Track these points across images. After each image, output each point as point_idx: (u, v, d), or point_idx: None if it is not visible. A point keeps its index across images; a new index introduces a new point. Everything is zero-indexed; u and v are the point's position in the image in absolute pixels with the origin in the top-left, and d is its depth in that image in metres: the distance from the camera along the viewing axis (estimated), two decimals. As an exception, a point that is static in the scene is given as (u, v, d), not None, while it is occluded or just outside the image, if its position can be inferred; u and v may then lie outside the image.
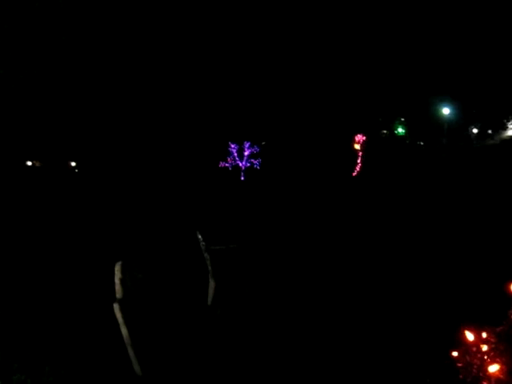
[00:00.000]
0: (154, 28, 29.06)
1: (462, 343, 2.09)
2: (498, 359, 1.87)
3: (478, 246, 7.99)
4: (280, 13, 30.71)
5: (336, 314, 4.87)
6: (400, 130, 36.11)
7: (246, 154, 33.32)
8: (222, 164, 32.96)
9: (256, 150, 33.45)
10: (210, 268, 5.05)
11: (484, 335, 2.05)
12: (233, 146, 33.06)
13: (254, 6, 30.42)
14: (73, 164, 34.78)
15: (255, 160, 33.35)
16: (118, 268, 4.33)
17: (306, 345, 3.94)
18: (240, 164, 33.35)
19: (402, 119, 35.54)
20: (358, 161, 31.36)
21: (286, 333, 4.20)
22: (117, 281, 4.30)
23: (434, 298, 5.63)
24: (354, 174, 30.89)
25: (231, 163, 33.23)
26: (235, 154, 33.22)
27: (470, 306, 4.36)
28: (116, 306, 4.24)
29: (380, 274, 6.85)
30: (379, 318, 5.19)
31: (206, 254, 5.07)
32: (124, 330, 4.30)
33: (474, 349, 1.94)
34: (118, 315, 4.26)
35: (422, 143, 36.06)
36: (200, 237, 5.05)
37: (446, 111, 32.65)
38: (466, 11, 28.92)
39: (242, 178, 33.00)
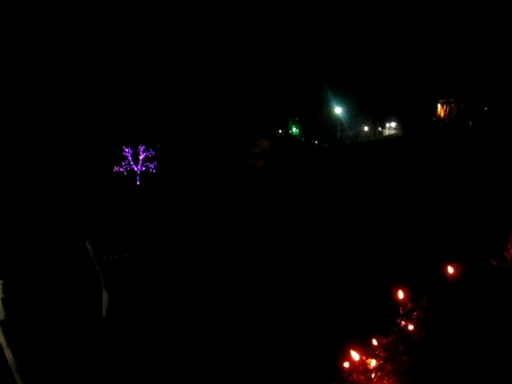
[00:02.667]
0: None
1: (349, 357, 1.94)
2: (385, 381, 1.71)
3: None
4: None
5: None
6: (294, 130, 37.29)
7: (141, 157, 32.61)
8: (116, 168, 31.89)
9: (151, 153, 32.86)
10: (102, 279, 4.77)
11: (375, 344, 1.92)
12: (127, 150, 32.26)
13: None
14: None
15: (151, 163, 32.74)
16: (-2, 287, 4.01)
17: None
18: (135, 168, 32.56)
19: (296, 118, 36.62)
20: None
21: (188, 346, 4.06)
22: (-3, 301, 4.00)
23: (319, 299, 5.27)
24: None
25: (126, 167, 32.34)
26: (130, 158, 32.39)
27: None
28: (-3, 328, 4.00)
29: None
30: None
31: (97, 265, 4.77)
32: (8, 354, 3.98)
33: (361, 367, 1.80)
34: (1, 338, 3.94)
35: (315, 142, 37.63)
36: (90, 247, 4.78)
37: (337, 110, 33.93)
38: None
39: (138, 183, 31.84)
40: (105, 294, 4.90)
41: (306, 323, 4.73)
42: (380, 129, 38.10)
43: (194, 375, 3.56)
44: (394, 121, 36.20)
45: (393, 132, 36.15)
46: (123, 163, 32.15)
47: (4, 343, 4.14)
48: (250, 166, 3.48)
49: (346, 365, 1.99)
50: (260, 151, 3.48)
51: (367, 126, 37.41)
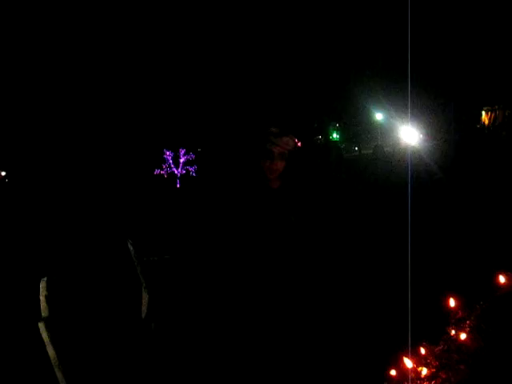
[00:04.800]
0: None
1: (398, 365, 1.88)
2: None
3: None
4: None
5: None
6: (335, 136, 36.83)
7: (181, 161, 32.71)
8: (157, 171, 32.21)
9: (192, 156, 32.89)
10: (142, 280, 4.79)
11: (423, 352, 1.88)
12: (168, 153, 32.38)
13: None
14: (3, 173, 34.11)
15: (191, 167, 32.86)
16: (43, 285, 4.00)
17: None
18: (175, 171, 32.70)
19: (337, 124, 36.27)
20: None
21: (225, 350, 3.99)
22: (42, 298, 3.99)
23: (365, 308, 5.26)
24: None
25: (166, 170, 32.57)
26: (170, 161, 32.55)
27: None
28: (41, 325, 3.81)
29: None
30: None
31: (138, 266, 4.81)
32: (51, 351, 3.97)
33: (412, 375, 1.75)
34: (44, 335, 3.93)
35: (356, 148, 37.48)
36: (131, 247, 4.79)
37: (378, 116, 33.51)
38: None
39: (178, 186, 32.10)
40: (145, 295, 4.91)
41: (350, 329, 4.69)
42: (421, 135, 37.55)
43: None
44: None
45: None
46: (164, 166, 32.37)
47: (47, 340, 4.14)
48: (265, 168, 3.02)
49: (393, 373, 1.95)
50: (281, 152, 2.98)
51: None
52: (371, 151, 31.75)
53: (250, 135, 3.20)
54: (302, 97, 30.63)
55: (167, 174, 32.42)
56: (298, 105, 30.06)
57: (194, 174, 32.39)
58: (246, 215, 3.00)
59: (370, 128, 35.84)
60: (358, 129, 36.62)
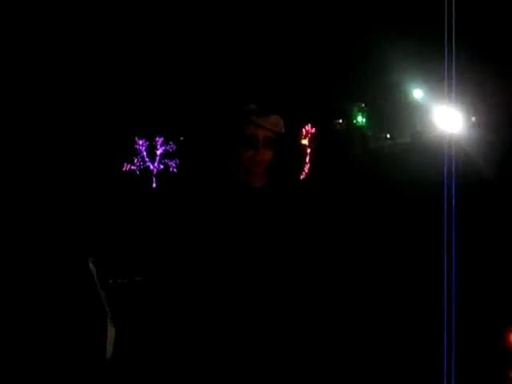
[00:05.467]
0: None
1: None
2: None
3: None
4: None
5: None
6: (360, 120, 36.60)
7: (158, 152, 32.59)
8: (126, 166, 31.85)
9: (172, 147, 32.78)
10: (107, 310, 4.80)
11: None
12: (141, 142, 32.22)
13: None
14: None
15: (171, 161, 32.68)
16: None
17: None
18: (151, 166, 32.61)
19: (363, 105, 35.92)
20: (307, 160, 31.06)
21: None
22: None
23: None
24: (302, 176, 30.72)
25: (139, 165, 32.33)
26: (144, 154, 32.35)
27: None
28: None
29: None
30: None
31: (102, 291, 4.83)
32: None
33: None
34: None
35: (388, 135, 37.36)
36: (93, 267, 4.83)
37: (417, 94, 33.20)
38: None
39: (154, 185, 32.15)
40: (111, 329, 4.87)
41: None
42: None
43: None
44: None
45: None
46: (135, 159, 32.06)
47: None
48: (245, 159, 2.96)
49: None
50: (267, 136, 2.90)
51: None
52: (408, 139, 31.68)
53: (226, 115, 3.15)
54: (312, 66, 30.48)
55: (140, 169, 32.09)
56: (301, 76, 30.09)
57: (174, 170, 32.16)
58: (217, 225, 2.93)
59: (407, 110, 35.70)
60: (391, 111, 36.69)
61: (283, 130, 2.97)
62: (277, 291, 2.92)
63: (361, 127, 34.62)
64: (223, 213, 2.92)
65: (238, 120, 2.96)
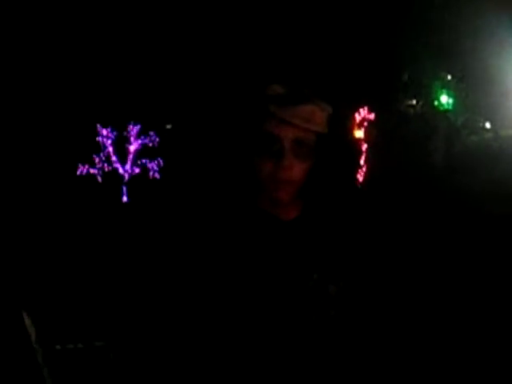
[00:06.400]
0: None
1: None
2: None
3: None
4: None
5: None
6: (444, 100, 35.17)
7: (132, 148, 31.28)
8: (82, 169, 30.53)
9: (154, 140, 31.53)
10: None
11: None
12: (105, 132, 30.81)
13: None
14: None
15: (151, 161, 31.39)
16: None
17: None
18: (120, 169, 31.13)
19: (449, 78, 34.43)
20: (361, 160, 30.60)
21: None
22: None
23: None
24: (353, 190, 29.83)
25: (102, 167, 31.04)
26: (110, 150, 30.98)
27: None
28: None
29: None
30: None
31: (40, 359, 5.16)
32: None
33: None
34: None
35: (487, 125, 35.86)
36: (30, 323, 5.20)
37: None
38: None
39: (125, 199, 30.57)
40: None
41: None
42: None
43: None
44: None
45: None
46: (96, 159, 30.26)
47: None
48: (264, 175, 2.69)
49: None
50: (299, 138, 2.63)
51: None
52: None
53: (233, 102, 2.96)
54: (368, 17, 29.63)
55: (103, 174, 30.33)
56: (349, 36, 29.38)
57: (156, 176, 30.46)
58: (224, 283, 2.75)
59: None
60: (492, 87, 35.31)
61: (327, 129, 2.71)
62: None
63: (446, 112, 33.49)
64: (234, 263, 2.76)
65: (250, 112, 2.75)
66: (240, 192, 2.86)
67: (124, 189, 30.58)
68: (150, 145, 31.54)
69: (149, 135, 31.48)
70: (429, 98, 32.14)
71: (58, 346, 5.61)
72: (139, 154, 31.56)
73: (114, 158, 30.92)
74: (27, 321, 5.15)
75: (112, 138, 30.98)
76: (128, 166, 30.70)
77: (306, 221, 2.87)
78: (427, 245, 15.14)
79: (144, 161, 31.60)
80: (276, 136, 2.61)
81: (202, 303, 2.82)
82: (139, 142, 30.90)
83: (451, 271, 13.15)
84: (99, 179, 31.01)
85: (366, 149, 29.67)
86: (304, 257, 2.82)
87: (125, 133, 31.08)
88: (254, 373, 2.77)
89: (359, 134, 29.59)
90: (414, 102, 32.35)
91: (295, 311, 2.77)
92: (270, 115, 2.62)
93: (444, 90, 32.34)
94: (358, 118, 29.88)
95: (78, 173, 30.55)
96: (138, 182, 31.27)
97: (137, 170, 31.28)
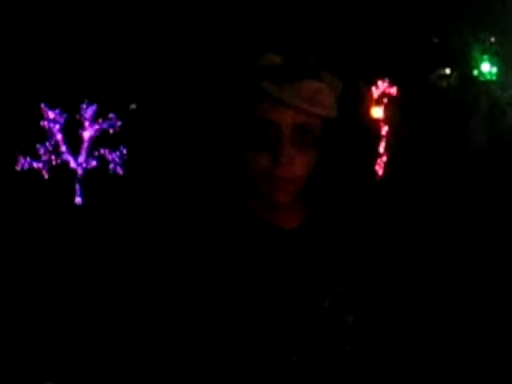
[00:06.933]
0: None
1: None
2: None
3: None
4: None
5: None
6: (487, 69, 34.85)
7: (86, 136, 29.11)
8: (22, 162, 29.21)
9: (114, 124, 29.64)
10: None
11: None
12: (53, 114, 29.01)
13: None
14: None
15: (112, 152, 29.51)
16: None
17: None
18: (72, 163, 29.20)
19: (492, 40, 34.25)
20: (381, 148, 30.57)
21: None
22: None
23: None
24: (372, 184, 29.60)
25: (48, 161, 29.49)
26: (58, 137, 29.14)
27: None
28: None
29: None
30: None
31: None
32: None
33: None
34: None
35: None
36: None
37: None
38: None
39: (79, 200, 28.91)
40: None
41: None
42: None
43: None
44: None
45: None
46: (41, 149, 28.93)
47: None
48: (258, 171, 2.75)
49: None
50: (301, 123, 2.69)
51: None
52: None
53: (215, 78, 3.12)
54: None
55: (50, 169, 28.85)
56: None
57: (118, 171, 29.07)
58: (212, 307, 2.81)
59: None
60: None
61: (336, 111, 2.78)
62: None
63: (489, 83, 33.34)
64: (218, 290, 2.84)
65: (237, 90, 2.85)
66: (226, 194, 2.95)
67: (77, 187, 29.02)
68: (110, 131, 28.95)
69: (108, 118, 28.58)
70: (467, 66, 31.72)
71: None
72: (96, 142, 29.25)
73: (63, 148, 27.51)
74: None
75: (61, 123, 27.76)
76: (82, 159, 27.77)
77: (312, 230, 2.96)
78: (471, 262, 15.98)
79: (102, 151, 29.35)
80: (271, 122, 2.67)
81: (188, 336, 2.91)
82: (96, 127, 28.17)
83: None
84: (45, 175, 28.33)
85: (387, 132, 29.34)
86: (312, 278, 2.87)
87: (77, 115, 28.04)
88: None
89: (378, 113, 28.91)
90: (448, 71, 31.78)
91: (302, 351, 2.75)
92: (262, 94, 2.68)
93: (486, 56, 31.63)
94: (375, 93, 29.46)
95: (18, 168, 28.46)
96: (95, 179, 29.09)
97: (93, 163, 28.16)
